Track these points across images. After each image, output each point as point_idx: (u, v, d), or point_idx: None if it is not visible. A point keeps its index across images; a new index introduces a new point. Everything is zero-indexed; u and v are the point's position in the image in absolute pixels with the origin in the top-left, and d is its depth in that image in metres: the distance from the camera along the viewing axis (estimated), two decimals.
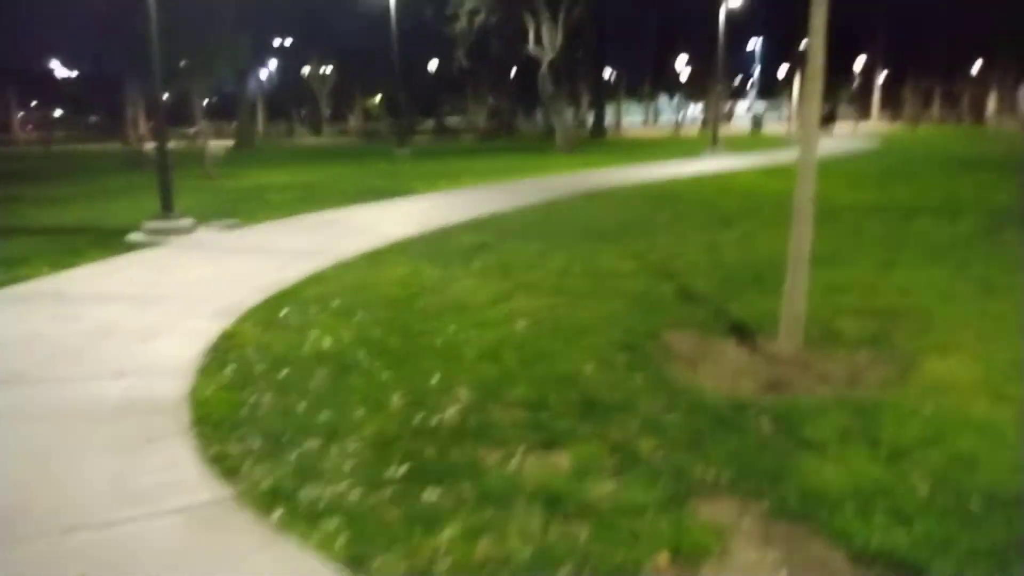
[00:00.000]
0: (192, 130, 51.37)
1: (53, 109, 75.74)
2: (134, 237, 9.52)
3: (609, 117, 66.47)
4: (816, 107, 4.41)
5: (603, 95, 55.39)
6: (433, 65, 52.60)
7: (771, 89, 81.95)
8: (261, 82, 53.51)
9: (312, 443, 3.54)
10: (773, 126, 55.53)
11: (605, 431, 3.57)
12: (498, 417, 3.75)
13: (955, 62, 62.75)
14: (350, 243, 8.82)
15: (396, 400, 4.00)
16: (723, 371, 4.58)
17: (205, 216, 11.19)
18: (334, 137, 58.12)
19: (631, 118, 79.63)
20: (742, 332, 5.24)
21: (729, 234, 9.38)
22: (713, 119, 33.36)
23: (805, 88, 4.37)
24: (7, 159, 32.26)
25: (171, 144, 21.93)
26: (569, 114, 40.11)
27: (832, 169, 19.48)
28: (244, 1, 35.46)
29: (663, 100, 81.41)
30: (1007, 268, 7.15)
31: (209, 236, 9.70)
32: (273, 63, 61.40)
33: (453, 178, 17.86)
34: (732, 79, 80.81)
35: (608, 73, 59.62)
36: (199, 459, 3.41)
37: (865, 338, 5.10)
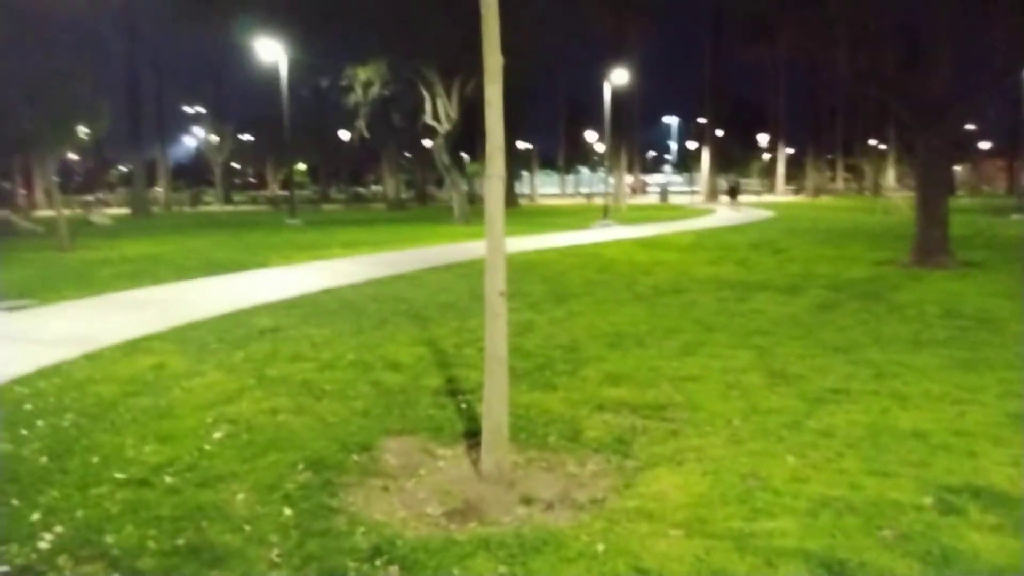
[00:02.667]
0: (90, 198, 49.51)
1: None
2: None
3: (528, 187, 67.41)
4: (499, 188, 3.88)
5: (513, 166, 55.91)
6: (346, 135, 52.30)
7: (685, 163, 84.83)
8: (164, 150, 51.91)
9: None
10: (684, 198, 56.84)
11: None
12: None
13: (854, 136, 66.18)
14: (132, 327, 7.93)
15: None
16: (419, 492, 3.89)
17: (5, 294, 10.12)
18: (243, 205, 56.78)
19: (550, 188, 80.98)
20: (478, 437, 4.59)
21: (554, 312, 8.87)
22: (606, 192, 33.93)
23: (487, 167, 3.83)
24: None
25: (66, 212, 20.70)
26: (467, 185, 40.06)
27: (708, 241, 19.55)
28: (121, 66, 34.75)
29: (585, 172, 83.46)
30: (813, 351, 6.79)
31: None
32: (182, 130, 60.17)
33: (321, 250, 17.10)
34: (644, 153, 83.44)
35: (522, 145, 60.38)
36: None
37: (607, 443, 4.52)
